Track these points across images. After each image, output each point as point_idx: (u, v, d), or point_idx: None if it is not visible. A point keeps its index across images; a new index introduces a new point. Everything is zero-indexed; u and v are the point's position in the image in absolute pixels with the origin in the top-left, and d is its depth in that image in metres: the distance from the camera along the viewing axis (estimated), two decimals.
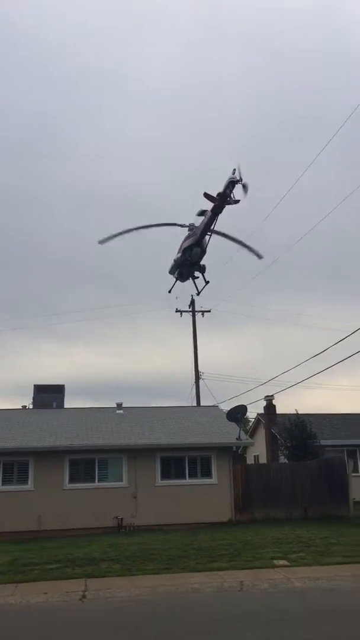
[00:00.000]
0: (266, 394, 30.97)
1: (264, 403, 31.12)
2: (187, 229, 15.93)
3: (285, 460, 25.93)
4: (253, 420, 36.28)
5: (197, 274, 16.41)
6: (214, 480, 21.55)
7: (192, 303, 35.92)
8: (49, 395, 26.59)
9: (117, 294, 76.97)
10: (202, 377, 35.32)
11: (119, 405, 25.83)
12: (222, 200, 13.90)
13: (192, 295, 36.21)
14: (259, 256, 16.55)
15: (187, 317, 36.08)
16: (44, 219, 78.57)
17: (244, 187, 13.61)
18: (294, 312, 71.08)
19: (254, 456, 32.72)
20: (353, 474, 22.52)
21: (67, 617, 8.99)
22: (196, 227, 15.49)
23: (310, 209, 71.30)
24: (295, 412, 27.58)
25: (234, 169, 13.63)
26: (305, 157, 64.42)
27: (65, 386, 27.65)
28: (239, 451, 26.83)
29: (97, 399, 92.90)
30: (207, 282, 16.66)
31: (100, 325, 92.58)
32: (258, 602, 9.51)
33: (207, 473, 21.65)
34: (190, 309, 35.93)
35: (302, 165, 68.57)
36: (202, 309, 36.07)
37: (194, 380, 35.17)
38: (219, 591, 10.16)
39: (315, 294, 70.95)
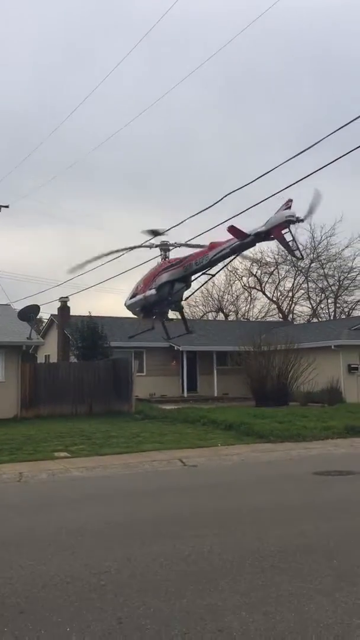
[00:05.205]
0: (61, 296, 31.04)
1: (59, 304, 31.19)
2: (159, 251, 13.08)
3: (76, 360, 26.57)
4: (47, 320, 36.17)
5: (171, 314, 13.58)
6: (1, 378, 21.29)
7: None
8: None
9: None
10: None
11: None
12: (257, 240, 10.89)
13: None
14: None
15: None
16: None
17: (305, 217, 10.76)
18: (96, 215, 70.59)
19: (45, 356, 32.95)
20: (138, 374, 23.96)
21: None
22: (186, 258, 12.34)
23: (120, 112, 69.68)
24: (88, 314, 28.11)
25: (289, 200, 10.55)
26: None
27: None
28: (30, 350, 26.73)
29: None
30: (189, 332, 14.26)
31: None
32: (35, 490, 9.89)
33: None
34: None
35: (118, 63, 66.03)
36: None
37: None
38: None
39: (119, 200, 70.95)
